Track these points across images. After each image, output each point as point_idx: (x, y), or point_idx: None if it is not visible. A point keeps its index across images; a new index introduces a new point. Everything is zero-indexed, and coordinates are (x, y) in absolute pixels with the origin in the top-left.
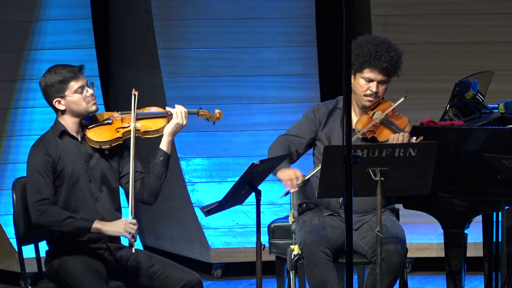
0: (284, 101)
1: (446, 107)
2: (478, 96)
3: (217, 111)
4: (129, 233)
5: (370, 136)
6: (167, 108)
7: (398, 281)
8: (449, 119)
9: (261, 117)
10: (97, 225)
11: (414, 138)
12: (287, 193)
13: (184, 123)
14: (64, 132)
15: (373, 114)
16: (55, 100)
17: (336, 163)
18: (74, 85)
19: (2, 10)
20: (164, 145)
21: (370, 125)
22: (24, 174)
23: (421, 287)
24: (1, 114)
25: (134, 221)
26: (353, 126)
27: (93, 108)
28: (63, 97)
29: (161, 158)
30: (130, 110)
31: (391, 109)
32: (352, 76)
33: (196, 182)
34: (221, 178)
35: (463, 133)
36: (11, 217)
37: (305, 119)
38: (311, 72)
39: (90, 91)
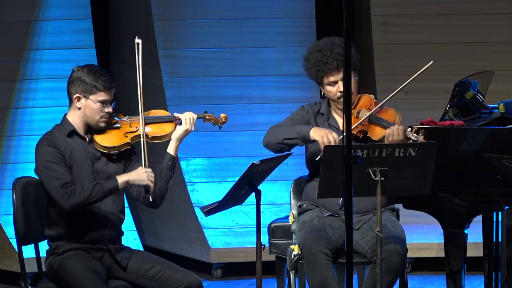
0: (284, 101)
1: (446, 107)
2: (478, 96)
3: (222, 115)
4: (150, 180)
5: (361, 136)
6: (176, 114)
7: (398, 281)
8: (449, 119)
9: (261, 117)
10: (122, 179)
11: (409, 129)
12: None
13: (192, 129)
14: (73, 132)
15: (357, 113)
16: (76, 95)
17: (336, 163)
18: (102, 95)
19: (2, 10)
20: (171, 150)
21: (356, 124)
22: (24, 174)
23: (421, 287)
24: (1, 114)
25: (150, 169)
26: (341, 128)
27: (103, 125)
28: (86, 97)
29: (169, 163)
30: (137, 114)
31: (376, 108)
32: (320, 87)
33: (196, 182)
34: (221, 178)
35: (463, 133)
36: (11, 217)
37: (296, 115)
38: None
39: (110, 109)
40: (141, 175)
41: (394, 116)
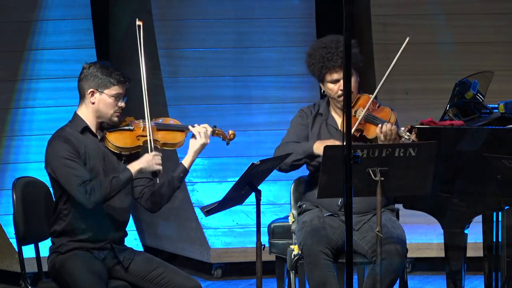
0: (284, 101)
1: (446, 107)
2: (478, 96)
3: (231, 131)
4: (158, 164)
5: (358, 135)
6: (189, 127)
7: (398, 281)
8: (449, 119)
9: (261, 117)
10: (135, 168)
11: (402, 128)
12: None
13: (208, 142)
14: (86, 128)
15: (355, 112)
16: (90, 90)
17: (336, 163)
18: (116, 89)
19: (2, 10)
20: (187, 163)
21: (356, 124)
22: (24, 174)
23: (421, 287)
24: (1, 114)
25: (155, 153)
26: (339, 128)
27: (116, 119)
28: (100, 92)
29: (181, 175)
30: (151, 118)
31: (371, 101)
32: (321, 85)
33: (196, 182)
34: (221, 178)
35: (463, 133)
36: (11, 217)
37: (298, 125)
38: None
39: (123, 104)
40: (150, 161)
41: (389, 115)
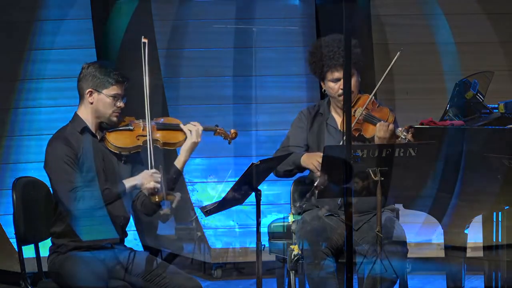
0: (284, 101)
1: (446, 107)
2: (478, 96)
3: (232, 130)
4: (156, 182)
5: (357, 135)
6: (181, 125)
7: (398, 281)
8: (449, 119)
9: (261, 117)
10: (130, 183)
11: (400, 128)
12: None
13: (199, 140)
14: (86, 129)
15: (355, 112)
16: (88, 90)
17: (336, 163)
18: (114, 89)
19: (2, 10)
20: (179, 164)
21: (353, 123)
22: (25, 174)
23: (421, 287)
24: (2, 114)
25: (154, 170)
26: (339, 128)
27: (115, 119)
28: (98, 92)
29: (174, 176)
30: (151, 118)
31: (369, 100)
32: (322, 83)
33: (196, 182)
34: (221, 178)
35: (463, 133)
36: (11, 217)
37: (297, 128)
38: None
39: (122, 104)
40: (147, 179)
41: (387, 114)
